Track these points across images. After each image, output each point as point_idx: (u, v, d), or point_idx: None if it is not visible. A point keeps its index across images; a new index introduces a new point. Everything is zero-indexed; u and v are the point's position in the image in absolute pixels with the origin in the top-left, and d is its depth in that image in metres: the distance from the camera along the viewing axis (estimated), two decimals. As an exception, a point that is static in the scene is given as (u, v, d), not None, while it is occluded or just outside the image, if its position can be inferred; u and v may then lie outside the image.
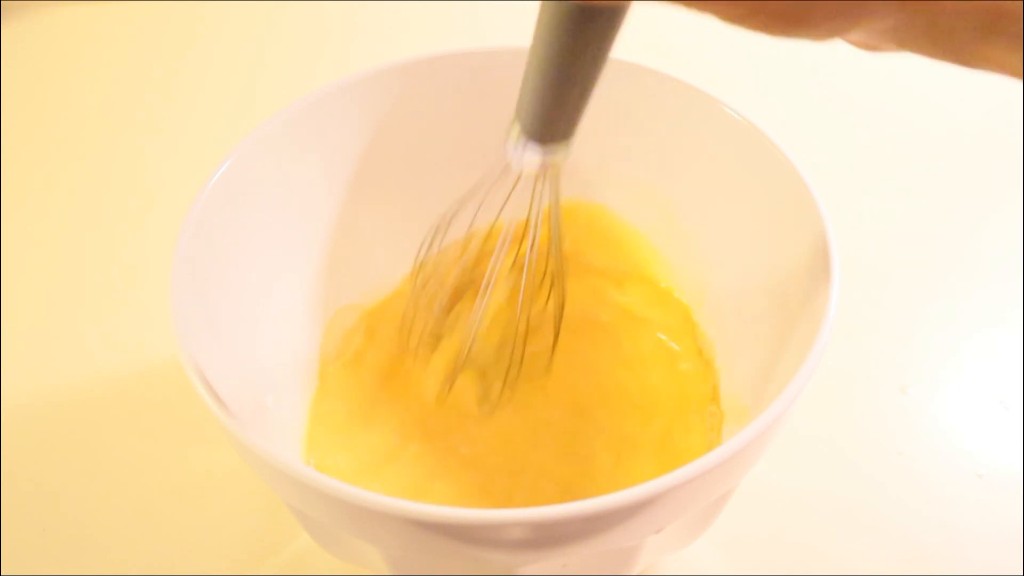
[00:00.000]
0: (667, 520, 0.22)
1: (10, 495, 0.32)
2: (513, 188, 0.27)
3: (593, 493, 0.19)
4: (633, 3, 0.19)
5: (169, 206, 0.42)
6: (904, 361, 0.37)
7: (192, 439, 0.34)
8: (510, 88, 0.32)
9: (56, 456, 0.34)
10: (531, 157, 0.24)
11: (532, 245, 0.29)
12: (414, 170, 0.33)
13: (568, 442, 0.30)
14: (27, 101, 0.50)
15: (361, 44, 0.54)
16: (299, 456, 0.30)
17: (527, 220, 0.28)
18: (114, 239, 0.42)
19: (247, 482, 0.32)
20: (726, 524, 0.30)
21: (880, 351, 0.37)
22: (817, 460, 0.34)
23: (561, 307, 0.31)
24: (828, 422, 0.35)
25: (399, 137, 0.32)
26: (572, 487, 0.29)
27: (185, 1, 0.57)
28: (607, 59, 0.21)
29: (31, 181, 0.45)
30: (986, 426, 0.35)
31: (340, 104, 0.31)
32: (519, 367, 0.31)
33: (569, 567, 0.23)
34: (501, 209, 0.29)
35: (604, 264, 0.35)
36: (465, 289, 0.32)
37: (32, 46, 0.54)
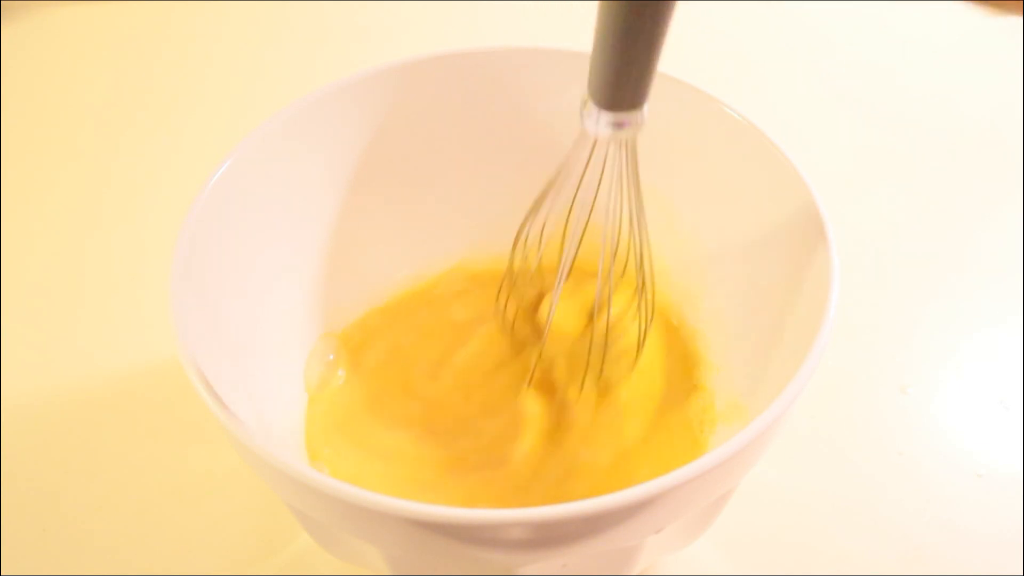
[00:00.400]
0: (667, 520, 0.22)
1: (10, 495, 0.32)
2: (600, 170, 0.27)
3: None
4: None
5: (169, 206, 0.42)
6: (904, 361, 0.37)
7: (192, 439, 0.34)
8: (510, 88, 0.32)
9: (56, 456, 0.34)
10: (604, 125, 0.24)
11: (608, 232, 0.29)
12: (414, 170, 0.33)
13: (560, 445, 0.30)
14: (27, 101, 0.50)
15: (361, 44, 0.54)
16: (299, 456, 0.30)
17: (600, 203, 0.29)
18: (114, 239, 0.42)
19: (247, 482, 0.32)
20: (726, 524, 0.30)
21: (880, 351, 0.38)
22: (817, 460, 0.34)
23: (648, 301, 0.31)
24: (828, 422, 0.35)
25: (399, 137, 0.32)
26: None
27: (185, 1, 0.57)
28: (672, 12, 0.21)
29: (31, 181, 0.45)
30: (986, 426, 0.35)
31: (340, 104, 0.31)
32: (600, 363, 0.31)
33: (569, 567, 0.23)
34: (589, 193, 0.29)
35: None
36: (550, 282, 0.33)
37: (32, 46, 0.54)
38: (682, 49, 0.50)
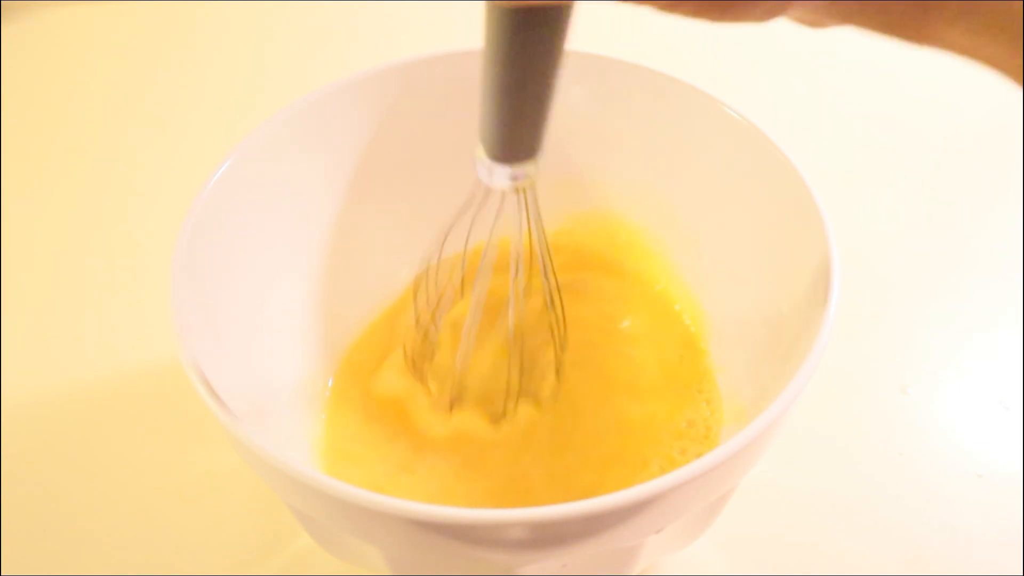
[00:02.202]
0: (667, 520, 0.22)
1: (10, 495, 0.32)
2: (499, 204, 0.26)
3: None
4: (575, 3, 0.18)
5: (169, 206, 0.42)
6: (904, 361, 0.37)
7: (192, 439, 0.34)
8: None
9: (56, 456, 0.34)
10: (499, 177, 0.23)
11: (518, 265, 0.28)
12: (414, 170, 0.33)
13: (564, 447, 0.30)
14: (27, 101, 0.50)
15: (361, 44, 0.54)
16: (299, 455, 0.30)
17: (516, 236, 0.27)
18: (114, 239, 0.42)
19: (247, 482, 0.32)
20: (726, 524, 0.30)
21: (880, 351, 0.38)
22: (817, 460, 0.34)
23: (559, 324, 0.30)
24: (828, 422, 0.35)
25: (399, 137, 0.32)
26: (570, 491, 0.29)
27: (185, 1, 0.57)
28: (558, 70, 0.20)
29: (31, 181, 0.45)
30: (986, 426, 0.35)
31: (340, 104, 0.31)
32: (517, 386, 0.30)
33: (569, 567, 0.23)
34: (492, 225, 0.27)
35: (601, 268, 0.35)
36: (460, 306, 0.31)
37: (32, 46, 0.54)
38: (682, 49, 0.50)
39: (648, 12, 0.19)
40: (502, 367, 0.30)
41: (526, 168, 0.23)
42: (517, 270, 0.28)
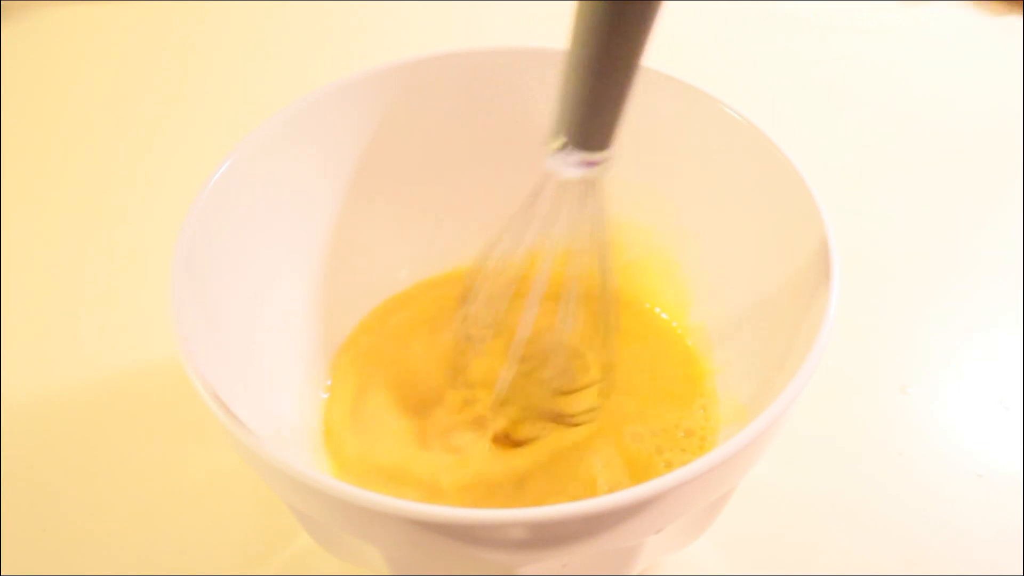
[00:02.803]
0: (667, 520, 0.22)
1: (10, 495, 0.32)
2: (560, 208, 0.26)
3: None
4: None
5: (169, 206, 0.42)
6: (904, 361, 0.37)
7: (192, 439, 0.34)
8: (510, 88, 0.33)
9: (56, 456, 0.34)
10: (572, 166, 0.24)
11: (571, 283, 0.28)
12: (414, 170, 0.33)
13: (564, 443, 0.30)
14: (27, 101, 0.50)
15: (361, 44, 0.54)
16: (300, 456, 0.30)
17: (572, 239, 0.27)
18: (114, 239, 0.42)
19: (247, 482, 0.32)
20: (726, 524, 0.30)
21: (880, 351, 0.38)
22: (817, 460, 0.34)
23: (610, 347, 0.30)
24: (828, 422, 0.35)
25: (399, 137, 0.32)
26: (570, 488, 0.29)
27: (185, 1, 0.57)
28: (642, 55, 0.21)
29: (31, 181, 0.45)
30: (986, 426, 0.35)
31: (340, 104, 0.31)
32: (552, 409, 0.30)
33: (569, 567, 0.23)
34: (550, 226, 0.27)
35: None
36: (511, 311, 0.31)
37: (32, 46, 0.54)
38: (682, 49, 0.50)
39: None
40: (541, 385, 0.30)
41: (599, 158, 0.23)
42: (570, 289, 0.28)
